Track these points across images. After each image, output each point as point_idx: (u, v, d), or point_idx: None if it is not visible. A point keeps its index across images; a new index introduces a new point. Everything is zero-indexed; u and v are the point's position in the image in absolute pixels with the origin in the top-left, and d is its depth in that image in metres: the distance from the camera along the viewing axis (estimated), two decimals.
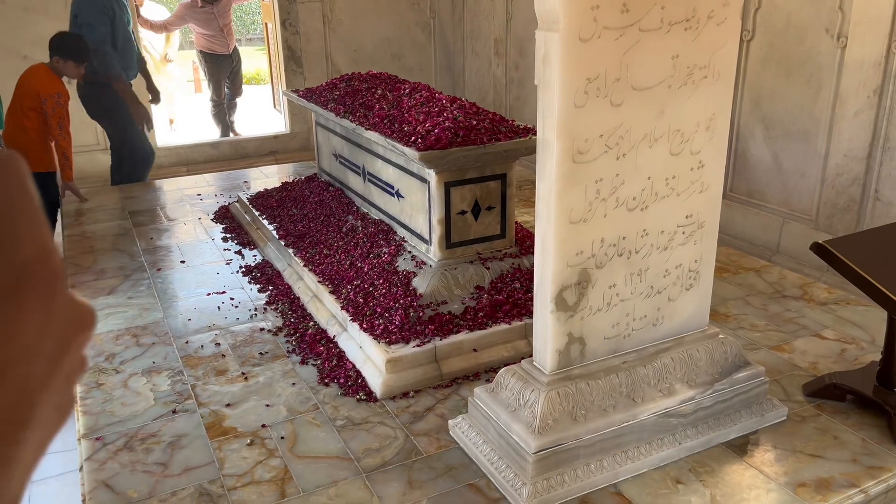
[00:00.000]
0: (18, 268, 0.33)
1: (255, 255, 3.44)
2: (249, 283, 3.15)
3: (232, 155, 6.43)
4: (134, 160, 4.68)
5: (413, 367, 2.34)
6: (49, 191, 4.27)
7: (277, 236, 3.33)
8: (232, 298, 3.00)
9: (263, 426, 2.15)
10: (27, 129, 4.09)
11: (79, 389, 2.36)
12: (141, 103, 4.62)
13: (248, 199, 3.94)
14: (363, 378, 2.36)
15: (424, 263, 2.65)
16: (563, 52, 1.59)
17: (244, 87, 7.44)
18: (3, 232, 0.33)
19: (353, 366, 2.43)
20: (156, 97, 4.88)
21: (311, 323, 2.73)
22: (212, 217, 4.03)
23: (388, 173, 2.93)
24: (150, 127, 4.72)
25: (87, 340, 0.37)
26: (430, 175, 2.55)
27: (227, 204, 4.20)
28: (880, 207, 3.55)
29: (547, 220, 1.74)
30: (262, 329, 2.74)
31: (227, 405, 2.26)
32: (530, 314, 2.47)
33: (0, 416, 0.32)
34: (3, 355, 0.32)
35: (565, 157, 1.68)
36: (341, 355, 2.50)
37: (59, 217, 4.26)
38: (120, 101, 4.47)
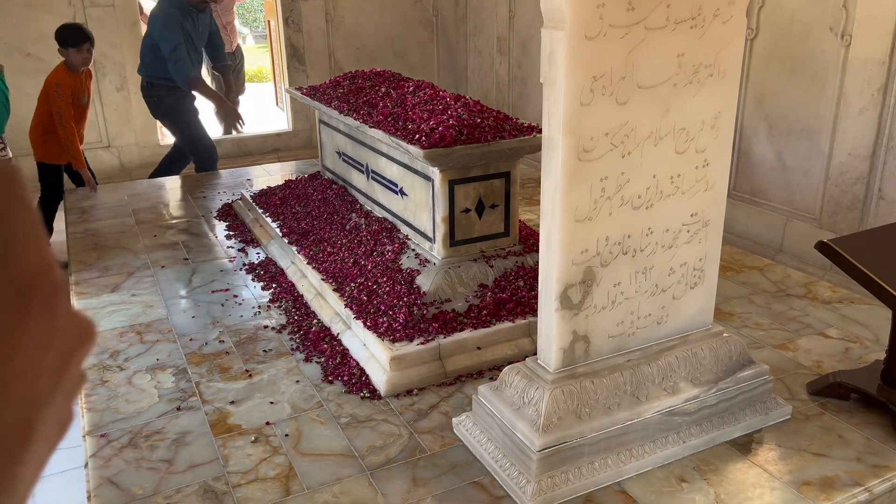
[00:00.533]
0: (19, 282, 0.32)
1: (258, 253, 3.45)
2: (253, 280, 3.15)
3: (234, 153, 6.43)
4: (200, 158, 4.92)
5: (417, 364, 2.34)
6: (48, 182, 4.34)
7: (281, 234, 3.33)
8: (235, 296, 3.00)
9: (267, 423, 2.15)
10: (33, 120, 4.29)
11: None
12: (226, 101, 4.76)
13: (251, 196, 3.94)
14: (367, 376, 2.36)
15: (428, 261, 2.65)
16: (569, 50, 1.59)
17: (246, 84, 7.44)
18: (2, 245, 0.32)
19: (357, 363, 2.43)
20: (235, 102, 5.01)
21: (315, 321, 2.73)
22: (215, 214, 4.04)
23: (392, 171, 2.93)
24: (243, 124, 4.83)
25: (87, 355, 0.37)
26: (434, 173, 2.56)
27: (230, 201, 4.20)
28: (884, 206, 3.55)
29: (552, 218, 1.74)
30: (265, 326, 2.74)
31: (232, 402, 2.26)
32: (534, 312, 2.47)
33: (2, 434, 0.32)
34: (6, 372, 0.31)
35: (571, 155, 1.68)
36: (345, 353, 2.50)
37: (61, 211, 4.27)
38: (181, 105, 4.70)
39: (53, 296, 0.34)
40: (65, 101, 4.13)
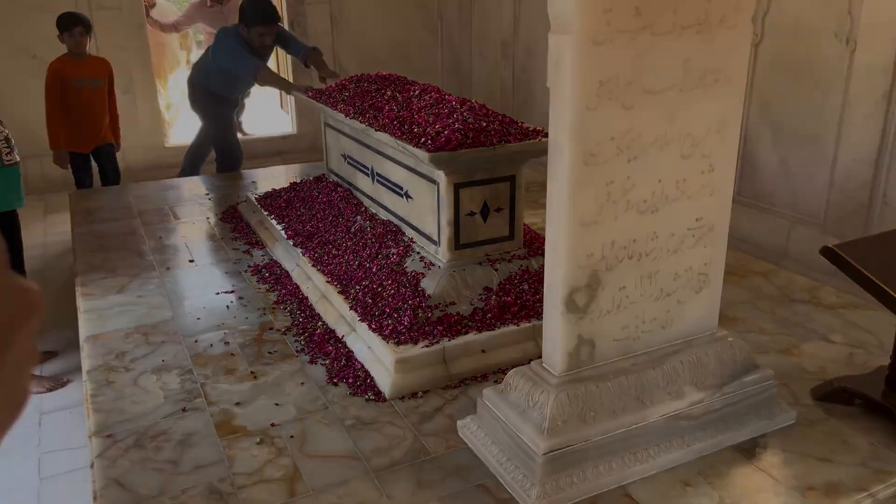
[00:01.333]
0: None
1: (263, 255, 3.45)
2: (258, 282, 3.16)
3: None
4: (222, 158, 5.22)
5: (421, 367, 2.34)
6: (73, 169, 4.67)
7: (286, 236, 3.34)
8: (241, 298, 3.01)
9: (272, 425, 2.16)
10: None
11: (89, 387, 2.37)
12: (292, 84, 4.85)
13: (256, 198, 3.95)
14: (372, 378, 2.37)
15: (433, 264, 2.66)
16: (576, 55, 1.60)
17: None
18: None
19: (362, 366, 2.44)
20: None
21: (320, 323, 2.74)
22: (220, 216, 4.05)
23: (398, 174, 2.94)
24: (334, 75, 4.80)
25: (35, 328, 0.33)
26: (440, 176, 2.56)
27: (235, 203, 4.22)
28: (889, 212, 3.55)
29: (558, 222, 1.75)
30: (270, 328, 2.75)
31: (237, 404, 2.27)
32: (538, 316, 2.47)
33: None
34: None
35: (577, 160, 1.68)
36: (350, 355, 2.51)
37: (67, 212, 4.28)
38: (214, 110, 5.01)
39: None
40: (47, 84, 4.42)
